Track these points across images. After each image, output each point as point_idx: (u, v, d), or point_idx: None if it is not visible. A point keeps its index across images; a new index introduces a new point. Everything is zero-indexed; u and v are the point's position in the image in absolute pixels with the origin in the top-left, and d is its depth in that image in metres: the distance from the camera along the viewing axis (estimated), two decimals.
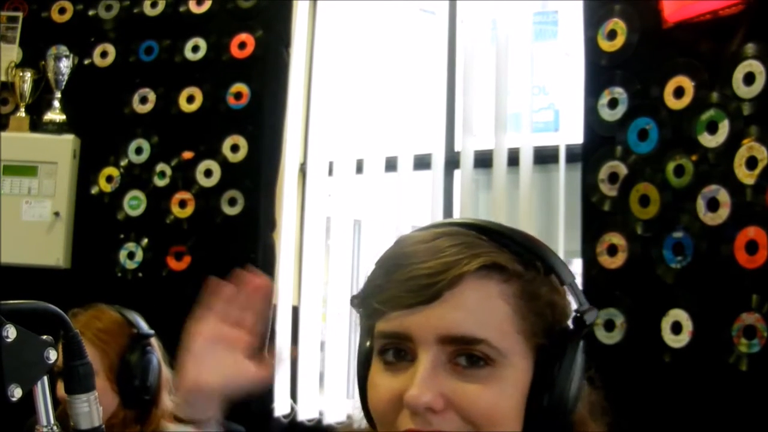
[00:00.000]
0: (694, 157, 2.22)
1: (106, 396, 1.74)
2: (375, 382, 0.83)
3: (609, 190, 2.39)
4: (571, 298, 0.86)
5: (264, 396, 2.94)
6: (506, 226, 0.85)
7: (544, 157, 2.63)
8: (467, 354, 0.78)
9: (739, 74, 2.14)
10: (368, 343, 0.86)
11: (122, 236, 3.07)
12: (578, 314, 0.82)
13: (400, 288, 0.80)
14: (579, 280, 2.49)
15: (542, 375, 0.79)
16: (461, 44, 2.86)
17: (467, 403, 0.78)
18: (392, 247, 0.85)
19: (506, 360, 0.79)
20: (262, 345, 0.95)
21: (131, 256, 3.05)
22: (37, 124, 3.13)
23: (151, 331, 1.83)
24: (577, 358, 0.81)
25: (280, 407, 2.94)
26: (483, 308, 0.79)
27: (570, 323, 0.83)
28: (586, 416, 0.86)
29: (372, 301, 0.83)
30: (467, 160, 2.71)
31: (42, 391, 0.81)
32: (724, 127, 2.16)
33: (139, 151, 3.11)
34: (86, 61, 3.19)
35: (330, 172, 3.04)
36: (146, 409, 1.78)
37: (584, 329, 0.82)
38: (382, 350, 0.83)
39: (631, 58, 2.41)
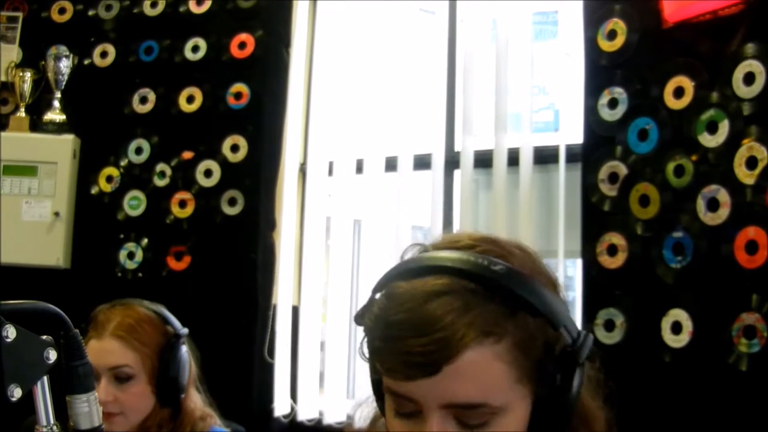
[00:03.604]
0: (694, 157, 2.22)
1: (146, 399, 1.73)
2: (391, 425, 0.89)
3: (609, 190, 2.39)
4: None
5: (264, 396, 2.94)
6: (499, 270, 0.83)
7: (544, 157, 2.62)
8: (469, 416, 0.83)
9: (739, 74, 2.14)
10: (376, 375, 0.90)
11: (122, 236, 3.07)
12: (570, 354, 0.84)
13: (398, 360, 0.83)
14: (579, 281, 2.48)
15: (539, 409, 0.85)
16: (461, 44, 2.86)
17: None
18: (386, 303, 0.86)
19: (507, 409, 0.84)
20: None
21: (131, 256, 3.06)
22: (37, 124, 3.13)
23: (185, 330, 1.81)
24: (573, 388, 0.84)
25: (280, 407, 2.94)
26: (481, 375, 0.83)
27: (563, 361, 0.85)
28: (588, 400, 0.91)
29: (374, 359, 0.87)
30: (467, 160, 2.71)
31: (42, 391, 0.81)
32: (724, 127, 2.16)
33: (139, 151, 3.11)
34: (86, 61, 3.19)
35: (330, 172, 3.04)
36: (179, 407, 1.77)
37: (575, 365, 0.84)
38: (397, 405, 0.87)
39: (631, 58, 2.40)
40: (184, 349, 1.78)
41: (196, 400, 1.81)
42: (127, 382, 1.69)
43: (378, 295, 0.88)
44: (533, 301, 0.83)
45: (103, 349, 1.69)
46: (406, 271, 0.87)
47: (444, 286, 0.83)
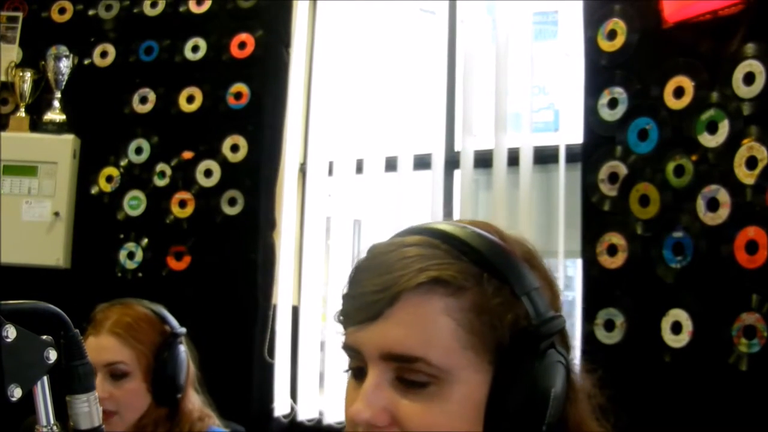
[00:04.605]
0: (694, 157, 2.22)
1: (142, 397, 1.73)
2: (346, 392, 0.84)
3: (609, 190, 2.40)
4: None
5: (264, 396, 2.94)
6: (472, 232, 0.81)
7: (544, 157, 2.63)
8: (408, 372, 0.78)
9: (739, 74, 2.14)
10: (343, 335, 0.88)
11: (122, 236, 3.07)
12: (531, 327, 0.78)
13: (353, 304, 0.81)
14: (579, 281, 2.48)
15: (496, 389, 0.77)
16: (461, 44, 2.86)
17: (408, 422, 0.77)
18: (362, 257, 0.85)
19: (452, 377, 0.77)
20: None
21: (131, 256, 3.06)
22: (37, 124, 3.13)
23: (183, 329, 1.81)
24: (538, 369, 0.77)
25: (280, 407, 2.94)
26: (422, 325, 0.77)
27: (524, 336, 0.78)
28: (585, 418, 0.84)
29: (338, 314, 0.85)
30: (467, 160, 2.71)
31: (42, 391, 0.81)
32: (724, 127, 2.16)
33: (139, 151, 3.11)
34: (86, 61, 3.19)
35: (330, 172, 3.04)
36: (177, 406, 1.77)
37: (542, 341, 0.77)
38: (349, 363, 0.84)
39: (631, 58, 2.41)
40: (182, 349, 1.78)
41: (194, 401, 1.81)
42: (122, 379, 1.70)
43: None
44: (497, 265, 0.78)
45: (99, 346, 1.70)
46: (391, 236, 0.86)
47: (414, 240, 0.81)
